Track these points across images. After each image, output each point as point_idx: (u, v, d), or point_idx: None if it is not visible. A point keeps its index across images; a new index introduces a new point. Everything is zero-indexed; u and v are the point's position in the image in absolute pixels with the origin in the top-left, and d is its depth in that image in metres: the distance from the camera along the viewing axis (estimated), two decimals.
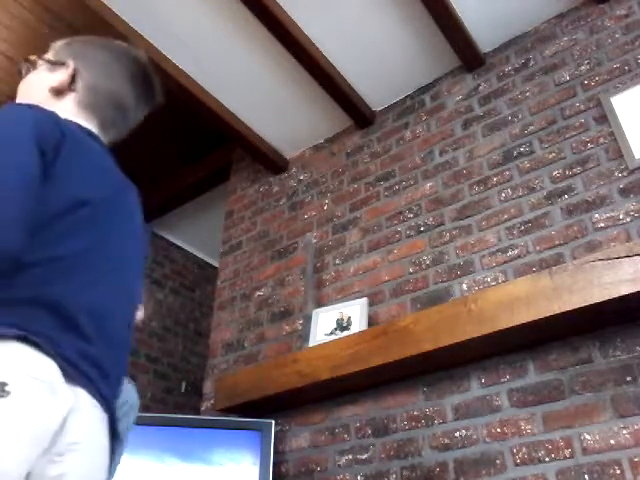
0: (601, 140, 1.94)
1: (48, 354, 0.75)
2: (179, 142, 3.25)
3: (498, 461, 1.66)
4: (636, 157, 1.82)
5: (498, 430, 1.70)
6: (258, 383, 2.10)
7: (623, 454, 1.47)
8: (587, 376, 1.61)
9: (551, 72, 2.20)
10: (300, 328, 2.32)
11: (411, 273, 2.16)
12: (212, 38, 2.36)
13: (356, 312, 2.12)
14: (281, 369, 2.06)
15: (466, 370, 1.83)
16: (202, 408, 2.48)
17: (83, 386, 0.80)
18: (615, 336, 1.61)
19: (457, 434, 1.77)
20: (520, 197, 2.03)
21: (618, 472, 1.46)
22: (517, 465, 1.62)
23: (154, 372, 3.55)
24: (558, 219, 1.91)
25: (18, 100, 1.04)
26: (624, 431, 1.50)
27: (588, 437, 1.54)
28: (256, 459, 1.99)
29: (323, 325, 2.17)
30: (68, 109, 1.02)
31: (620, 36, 2.07)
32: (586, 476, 1.50)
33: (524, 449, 1.63)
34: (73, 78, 1.05)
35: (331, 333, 2.11)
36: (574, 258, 1.79)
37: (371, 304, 2.17)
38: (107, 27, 2.25)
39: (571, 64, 2.15)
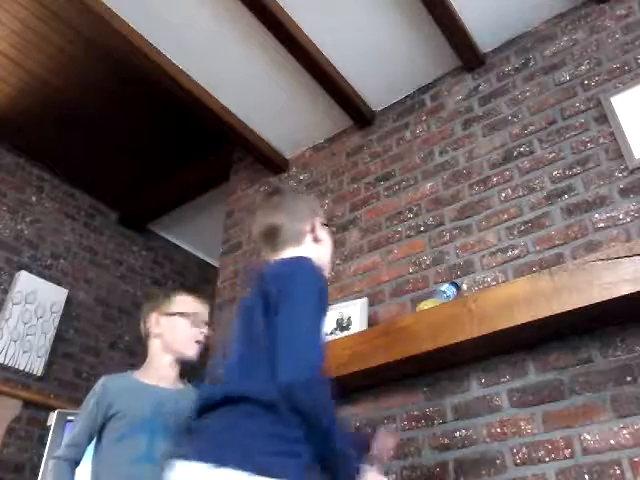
0: (601, 140, 1.94)
1: None
2: (179, 142, 3.25)
3: (498, 461, 1.65)
4: (636, 157, 1.82)
5: (498, 430, 1.69)
6: None
7: (623, 454, 1.47)
8: (587, 376, 1.61)
9: (551, 72, 2.20)
10: None
11: (411, 273, 2.16)
12: (212, 38, 2.36)
13: (356, 312, 2.12)
14: None
15: (466, 370, 1.83)
16: None
17: None
18: (615, 336, 1.61)
19: (457, 434, 1.76)
20: (520, 197, 2.03)
21: (618, 472, 1.46)
22: (517, 465, 1.62)
23: None
24: (558, 219, 1.91)
25: None
26: (624, 431, 1.50)
27: (588, 437, 1.54)
28: None
29: None
30: None
31: (620, 36, 2.07)
32: (586, 476, 1.50)
33: (524, 449, 1.63)
34: None
35: (331, 333, 2.11)
36: (574, 258, 1.79)
37: (371, 304, 2.17)
38: (107, 27, 2.26)
39: (571, 64, 2.15)
